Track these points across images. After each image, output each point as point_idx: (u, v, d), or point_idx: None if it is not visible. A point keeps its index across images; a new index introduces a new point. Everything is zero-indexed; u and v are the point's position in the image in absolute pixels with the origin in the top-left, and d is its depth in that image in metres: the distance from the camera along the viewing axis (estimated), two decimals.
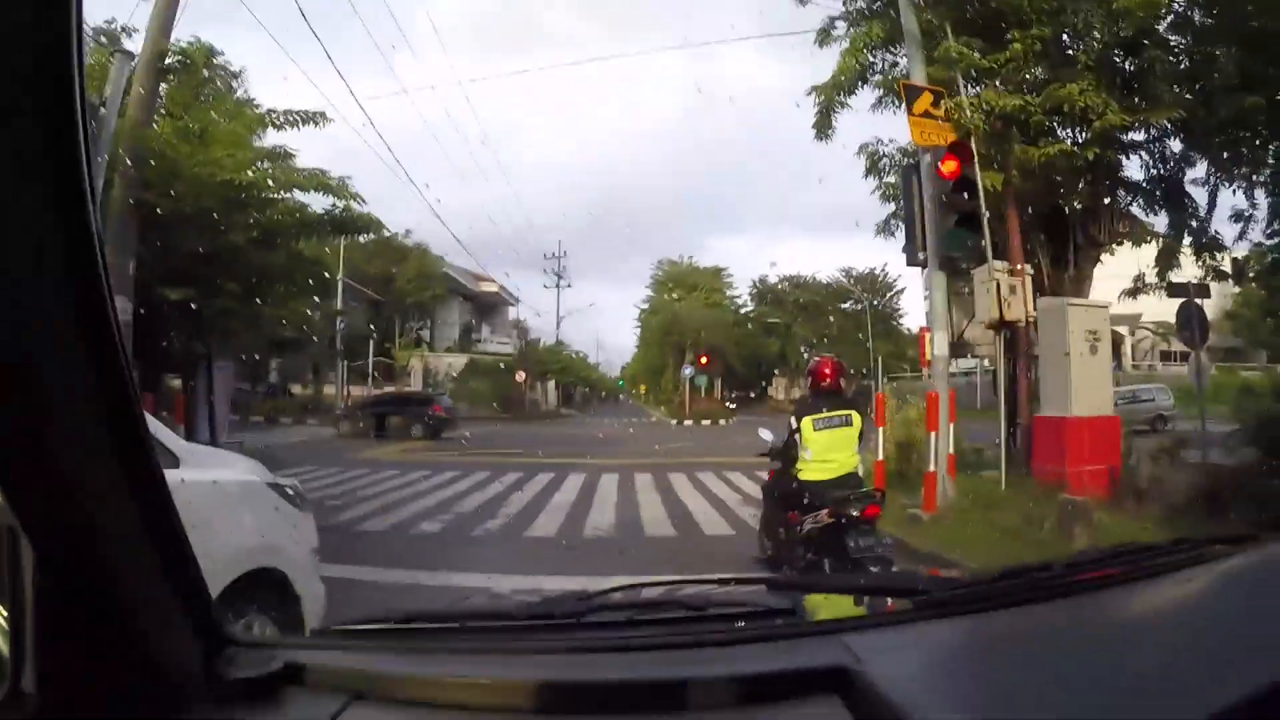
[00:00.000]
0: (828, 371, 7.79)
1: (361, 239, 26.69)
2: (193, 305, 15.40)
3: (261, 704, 1.42)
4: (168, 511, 1.35)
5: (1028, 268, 13.28)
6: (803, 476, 7.45)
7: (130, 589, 1.32)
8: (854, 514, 6.86)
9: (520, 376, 53.85)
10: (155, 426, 4.42)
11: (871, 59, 15.41)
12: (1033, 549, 8.32)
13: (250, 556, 4.56)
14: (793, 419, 7.71)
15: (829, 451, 7.39)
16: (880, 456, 13.10)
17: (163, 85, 15.02)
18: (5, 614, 1.31)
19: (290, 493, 5.35)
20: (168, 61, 14.38)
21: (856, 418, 7.56)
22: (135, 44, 14.56)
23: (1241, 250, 15.86)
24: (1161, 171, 15.15)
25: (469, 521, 12.61)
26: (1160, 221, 15.68)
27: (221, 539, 4.39)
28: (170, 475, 3.79)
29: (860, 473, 7.69)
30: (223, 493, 4.74)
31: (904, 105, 12.27)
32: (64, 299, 1.04)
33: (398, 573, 8.91)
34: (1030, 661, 1.43)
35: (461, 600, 2.54)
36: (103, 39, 16.21)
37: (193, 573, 1.44)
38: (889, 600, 1.98)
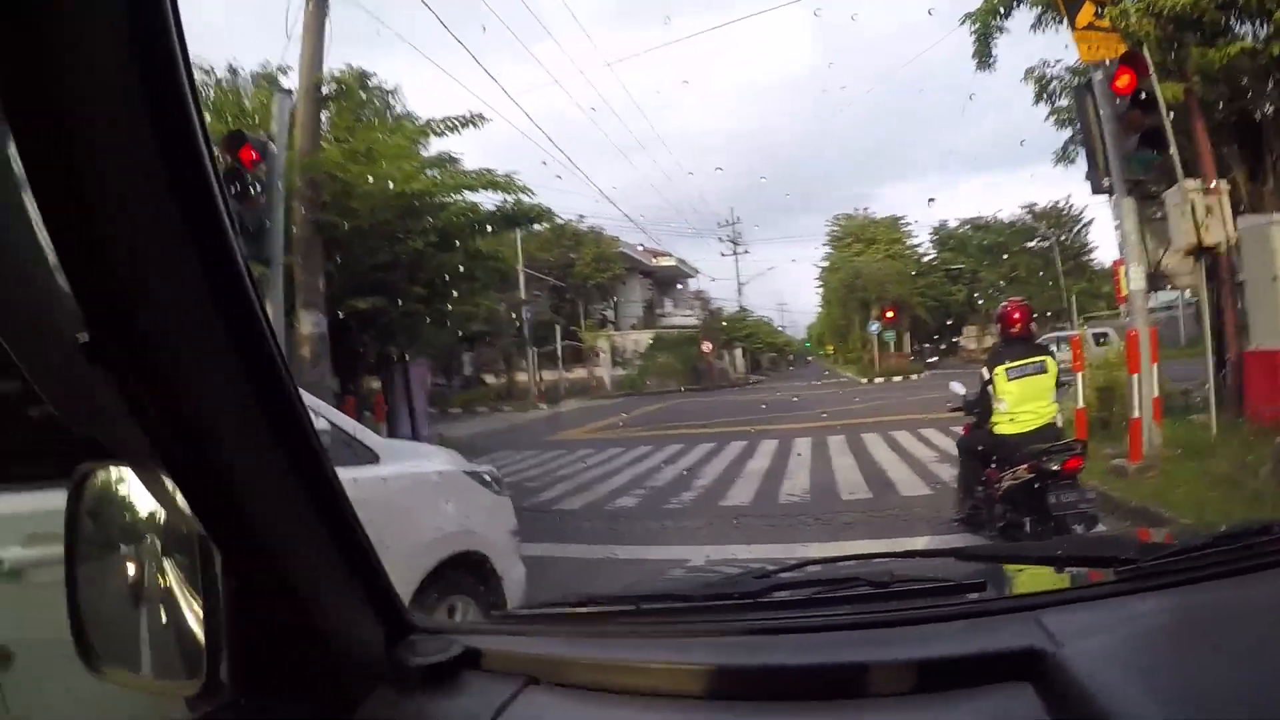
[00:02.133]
0: (1017, 317, 7.54)
1: (536, 229, 27.34)
2: (382, 311, 16.18)
3: (441, 688, 1.46)
4: (341, 505, 1.39)
5: (1223, 184, 12.01)
6: (998, 430, 7.29)
7: (311, 583, 1.39)
8: (1054, 468, 6.62)
9: (706, 347, 53.94)
10: (354, 428, 4.77)
11: None
12: (1249, 500, 7.71)
13: (451, 541, 4.91)
14: (984, 370, 7.50)
15: (1024, 402, 7.17)
16: (1080, 404, 12.14)
17: (324, 114, 15.82)
18: (200, 611, 1.41)
19: (487, 478, 5.62)
20: (324, 91, 15.16)
21: (1051, 364, 7.31)
22: (291, 80, 15.39)
23: None
24: None
25: (663, 495, 12.80)
26: None
27: (423, 527, 4.77)
28: (372, 471, 4.12)
29: (1059, 423, 7.46)
30: (422, 483, 5.06)
31: (1066, 20, 11.53)
32: (211, 313, 1.09)
33: (596, 548, 9.13)
34: (1252, 642, 1.27)
35: (658, 574, 2.52)
36: (261, 81, 17.10)
37: (371, 565, 1.47)
38: (1089, 571, 1.82)
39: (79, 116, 0.92)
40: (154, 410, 1.09)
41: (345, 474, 3.61)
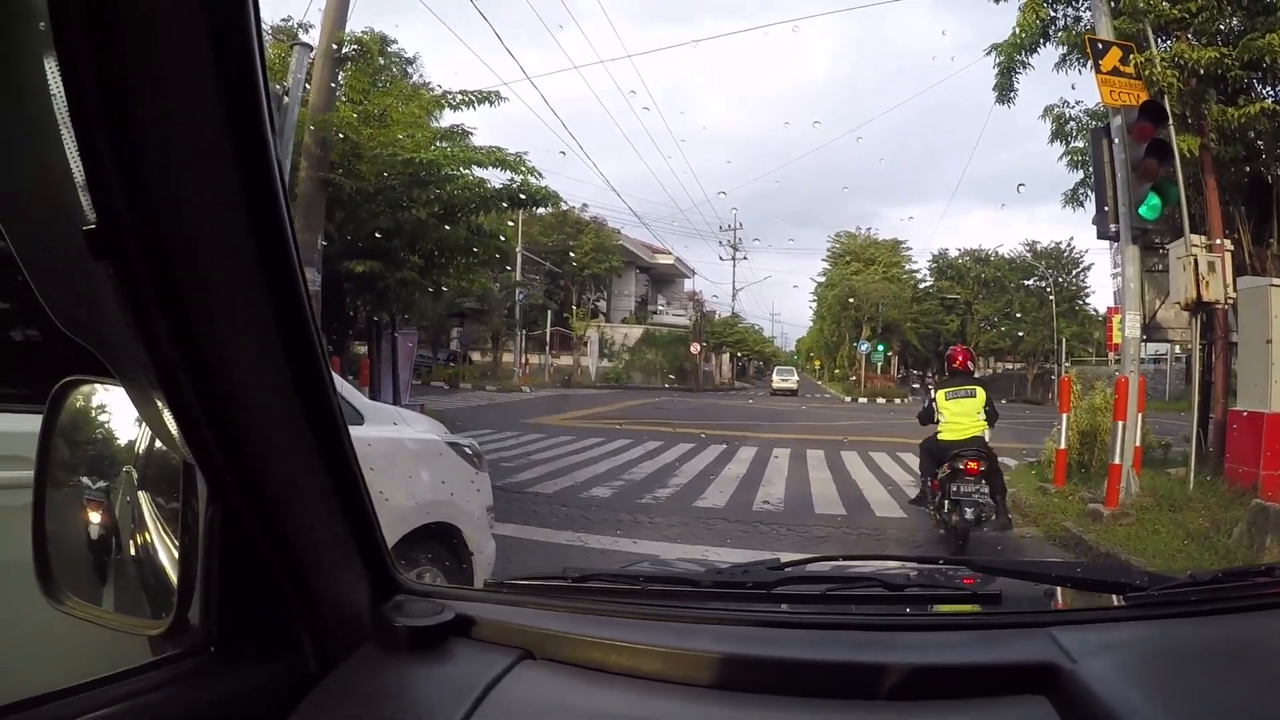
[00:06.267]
0: (960, 357, 10.06)
1: (539, 212, 27.38)
2: (378, 277, 16.19)
3: (428, 654, 1.40)
4: (345, 455, 1.33)
5: (1228, 242, 11.91)
6: (940, 437, 9.51)
7: (301, 529, 1.33)
8: (960, 466, 8.88)
9: (695, 348, 54.11)
10: (342, 386, 4.68)
11: (1053, 13, 14.38)
12: (1220, 557, 7.77)
13: (427, 510, 4.88)
14: (932, 389, 10.14)
15: (958, 418, 9.41)
16: (1062, 445, 12.56)
17: (341, 74, 15.81)
18: (175, 548, 1.35)
19: (468, 451, 5.60)
20: (344, 51, 15.19)
21: (981, 391, 9.60)
22: (312, 37, 15.40)
23: None
24: None
25: (638, 489, 12.77)
26: None
27: (401, 492, 4.78)
28: (355, 431, 4.00)
29: (986, 438, 9.42)
30: (404, 449, 5.05)
31: (1091, 62, 11.38)
32: (240, 222, 1.03)
33: (565, 535, 9.11)
34: (1260, 675, 1.27)
35: (629, 566, 2.46)
36: (281, 36, 17.08)
37: (367, 517, 1.42)
38: (1100, 594, 1.79)
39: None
40: (161, 319, 1.00)
41: None
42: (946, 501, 8.95)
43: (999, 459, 9.59)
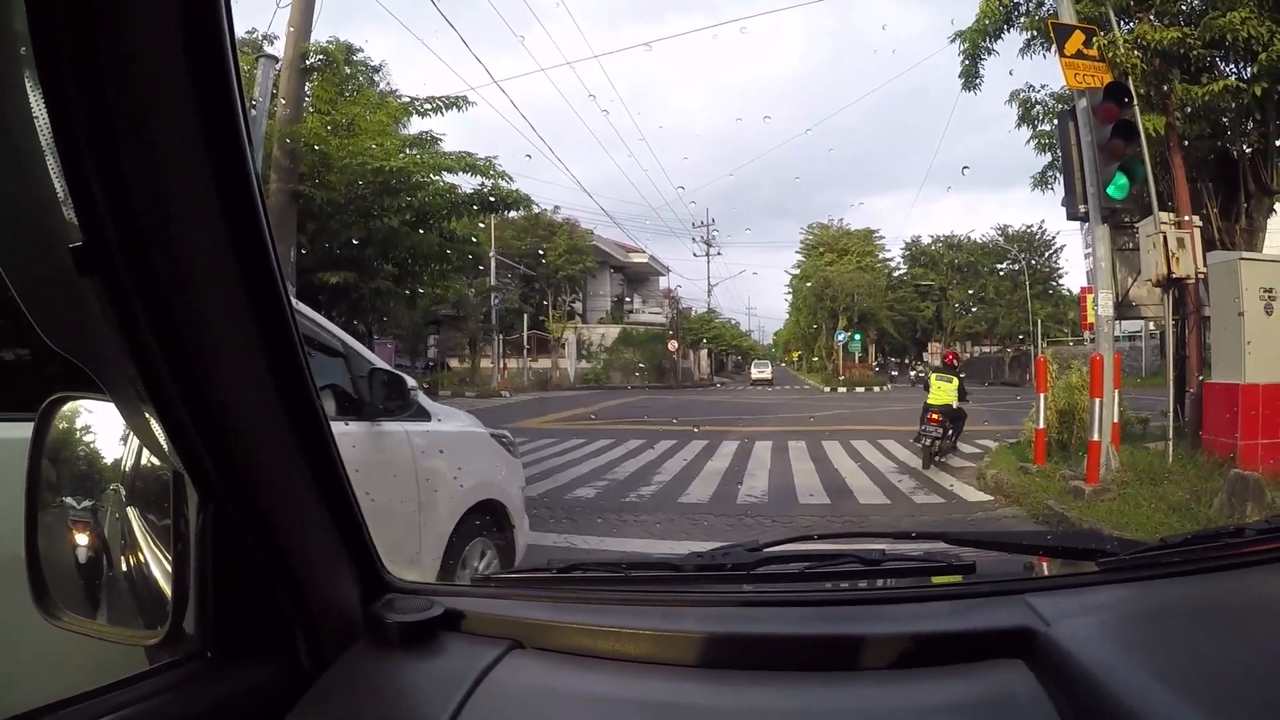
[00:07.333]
0: (949, 357, 16.37)
1: (511, 216, 27.35)
2: (352, 287, 16.17)
3: (419, 648, 1.42)
4: (330, 458, 1.35)
5: (1196, 219, 12.14)
6: (928, 401, 14.54)
7: (291, 530, 1.34)
8: (929, 417, 14.23)
9: (672, 345, 54.16)
10: (411, 386, 5.25)
11: None
12: (1200, 527, 7.77)
13: (484, 489, 5.73)
14: (928, 373, 16.90)
15: (939, 392, 14.58)
16: (1041, 424, 12.73)
17: (307, 84, 15.85)
18: (166, 559, 1.36)
19: (505, 441, 6.42)
20: (309, 61, 15.23)
21: (956, 379, 14.83)
22: (278, 49, 15.46)
23: None
24: None
25: (623, 488, 12.73)
26: None
27: (468, 473, 5.63)
28: (427, 426, 5.03)
29: (955, 404, 14.47)
30: (463, 439, 5.89)
31: (1054, 46, 11.47)
32: (222, 236, 1.05)
33: (552, 536, 9.09)
34: (1232, 630, 1.31)
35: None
36: (246, 48, 17.01)
37: (355, 518, 1.44)
38: (1073, 561, 1.82)
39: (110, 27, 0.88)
40: (149, 331, 1.03)
41: (412, 426, 4.62)
42: (923, 436, 14.33)
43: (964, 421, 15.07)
